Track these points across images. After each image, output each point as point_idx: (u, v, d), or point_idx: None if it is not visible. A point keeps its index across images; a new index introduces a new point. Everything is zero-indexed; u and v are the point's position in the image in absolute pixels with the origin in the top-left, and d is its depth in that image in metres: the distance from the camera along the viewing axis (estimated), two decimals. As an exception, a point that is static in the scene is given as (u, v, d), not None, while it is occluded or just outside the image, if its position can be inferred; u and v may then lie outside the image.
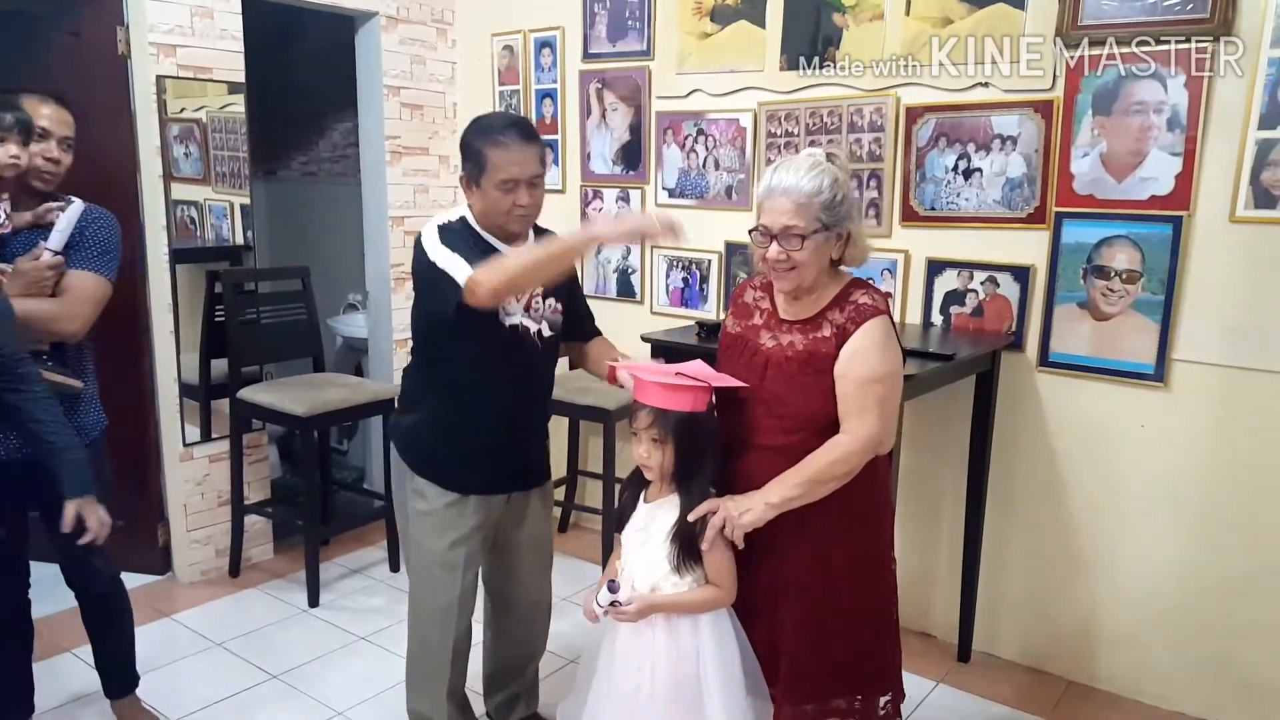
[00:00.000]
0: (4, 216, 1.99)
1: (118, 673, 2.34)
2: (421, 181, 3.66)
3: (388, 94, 3.56)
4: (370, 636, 2.84)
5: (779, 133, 2.92)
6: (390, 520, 3.22)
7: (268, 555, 3.38)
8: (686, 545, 1.65)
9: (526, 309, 1.95)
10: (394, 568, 3.28)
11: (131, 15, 2.88)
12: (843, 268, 1.71)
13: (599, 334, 2.18)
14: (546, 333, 1.99)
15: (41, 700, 2.33)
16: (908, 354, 2.26)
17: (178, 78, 2.95)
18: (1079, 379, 2.52)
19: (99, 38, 2.90)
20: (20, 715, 2.28)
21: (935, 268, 2.71)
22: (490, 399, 1.97)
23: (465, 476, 2.00)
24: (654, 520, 1.70)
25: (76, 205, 2.08)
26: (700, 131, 3.11)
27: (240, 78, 3.12)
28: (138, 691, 2.37)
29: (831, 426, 1.63)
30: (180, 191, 3.03)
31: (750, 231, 1.68)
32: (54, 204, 2.06)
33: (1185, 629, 2.45)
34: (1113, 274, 2.43)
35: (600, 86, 3.33)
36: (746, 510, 1.60)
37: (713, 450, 1.69)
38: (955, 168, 2.62)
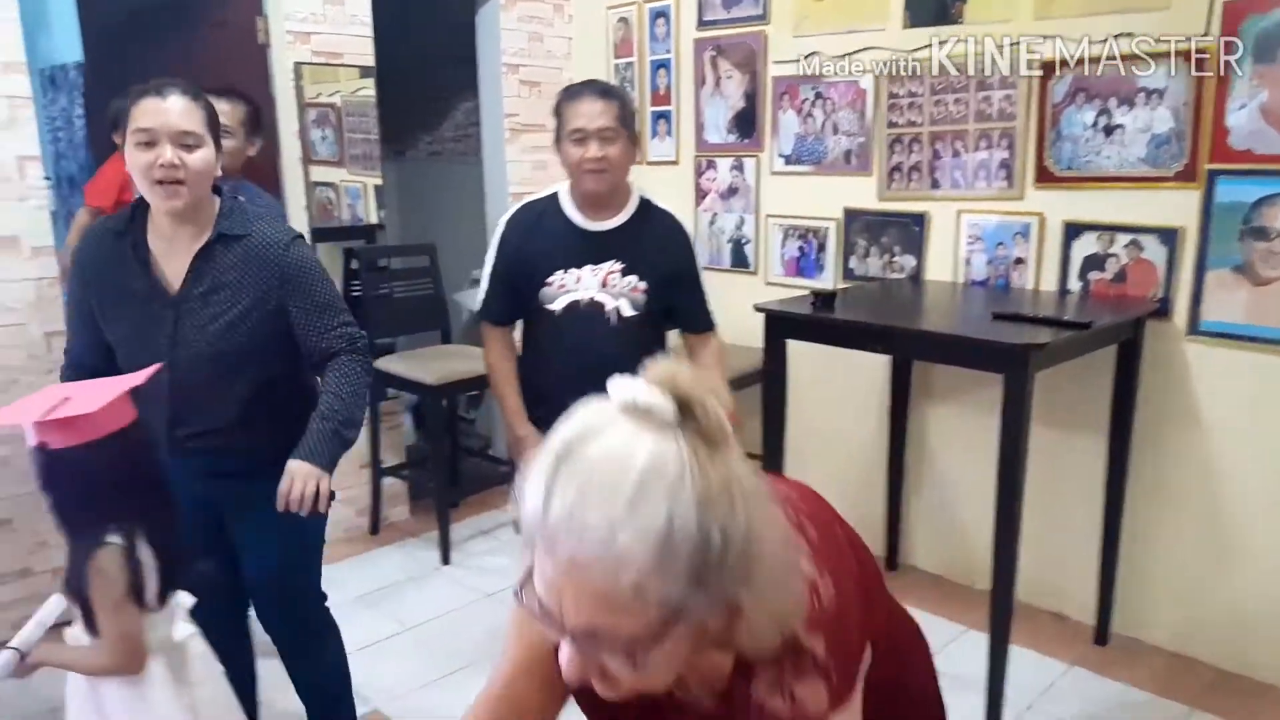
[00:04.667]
0: None
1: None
2: (540, 158, 3.72)
3: (506, 72, 3.63)
4: (496, 594, 2.96)
5: (902, 94, 2.81)
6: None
7: (404, 516, 3.57)
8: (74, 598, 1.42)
9: (603, 285, 1.93)
10: (519, 530, 3.40)
11: (269, 4, 3.04)
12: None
13: (709, 329, 2.12)
14: (626, 311, 1.93)
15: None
16: (1040, 321, 2.17)
17: (313, 64, 3.11)
18: (1233, 348, 2.34)
19: (241, 27, 3.08)
20: None
21: (1073, 231, 2.56)
22: (552, 362, 1.95)
23: (537, 416, 2.05)
24: None
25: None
26: (818, 95, 3.04)
27: (370, 61, 3.25)
28: None
29: None
30: (318, 174, 3.19)
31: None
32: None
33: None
34: (1274, 235, 2.23)
35: (715, 54, 3.29)
36: None
37: (108, 486, 1.37)
38: (1095, 124, 2.46)
